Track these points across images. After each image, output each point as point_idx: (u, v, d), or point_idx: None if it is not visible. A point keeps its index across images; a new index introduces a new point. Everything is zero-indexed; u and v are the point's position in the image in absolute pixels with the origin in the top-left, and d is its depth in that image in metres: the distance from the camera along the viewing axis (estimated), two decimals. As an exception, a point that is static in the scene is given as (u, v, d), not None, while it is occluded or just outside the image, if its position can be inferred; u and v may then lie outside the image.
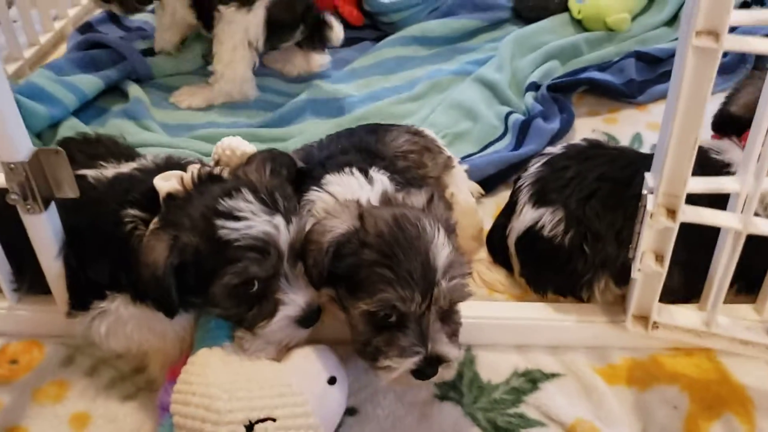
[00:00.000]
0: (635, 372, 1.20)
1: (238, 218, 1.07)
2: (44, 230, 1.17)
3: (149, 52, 2.05)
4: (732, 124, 1.29)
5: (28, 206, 1.14)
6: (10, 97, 1.06)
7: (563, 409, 1.15)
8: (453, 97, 1.83)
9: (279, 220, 1.09)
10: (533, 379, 1.20)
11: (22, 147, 1.09)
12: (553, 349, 1.25)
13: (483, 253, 1.40)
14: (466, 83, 1.88)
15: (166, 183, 1.17)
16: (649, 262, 1.09)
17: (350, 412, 1.16)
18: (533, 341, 1.25)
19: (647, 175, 1.08)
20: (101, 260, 1.17)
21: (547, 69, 1.87)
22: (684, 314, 1.16)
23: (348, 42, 2.09)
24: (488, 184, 1.56)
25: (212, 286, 1.07)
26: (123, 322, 1.16)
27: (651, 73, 1.88)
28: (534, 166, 1.33)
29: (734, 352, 1.15)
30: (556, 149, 1.35)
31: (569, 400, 1.17)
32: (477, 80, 1.87)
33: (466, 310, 1.24)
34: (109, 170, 1.29)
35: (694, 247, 1.11)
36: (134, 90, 1.87)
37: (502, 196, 1.56)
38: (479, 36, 2.13)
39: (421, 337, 1.01)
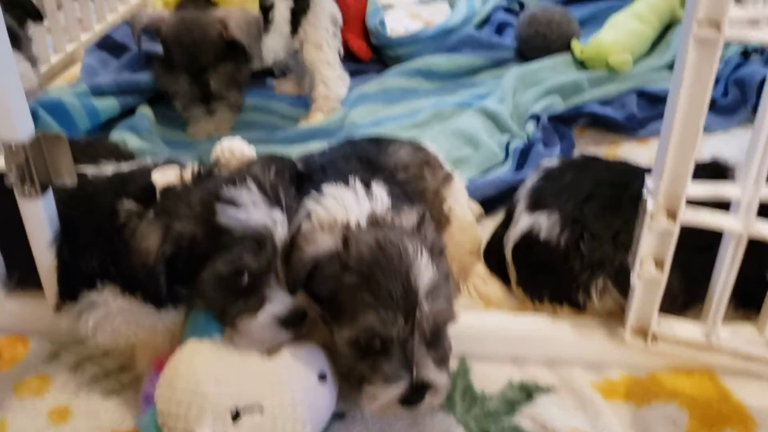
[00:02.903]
0: (633, 388, 1.17)
1: (238, 206, 1.07)
2: (39, 216, 1.16)
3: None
4: None
5: (26, 190, 1.13)
6: (15, 77, 1.07)
7: (559, 420, 1.11)
8: (455, 124, 1.84)
9: (278, 215, 1.08)
10: (528, 391, 1.17)
11: (24, 128, 1.09)
12: (549, 363, 1.21)
13: (480, 268, 1.38)
14: (468, 113, 1.89)
15: (163, 177, 1.17)
16: (649, 268, 1.07)
17: (338, 416, 1.12)
18: (529, 353, 1.22)
19: (647, 178, 1.08)
20: (92, 250, 1.15)
21: (549, 103, 1.89)
22: (684, 327, 1.14)
23: (354, 74, 2.13)
24: (488, 205, 1.55)
25: (202, 271, 1.06)
26: (111, 315, 1.14)
27: (652, 110, 1.90)
28: (531, 180, 1.34)
29: (736, 367, 1.12)
30: (552, 162, 1.37)
31: (565, 412, 1.13)
32: (479, 111, 1.89)
33: (460, 320, 1.22)
34: (109, 169, 1.30)
35: (694, 250, 1.09)
36: (142, 107, 1.89)
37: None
38: (483, 73, 2.15)
39: (406, 362, 0.98)
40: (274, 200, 1.10)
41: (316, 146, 1.81)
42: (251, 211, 1.07)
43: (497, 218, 1.54)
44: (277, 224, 1.08)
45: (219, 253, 1.05)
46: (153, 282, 1.06)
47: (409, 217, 1.11)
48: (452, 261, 1.36)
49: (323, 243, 1.05)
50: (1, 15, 1.01)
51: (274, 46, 1.88)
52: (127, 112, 1.90)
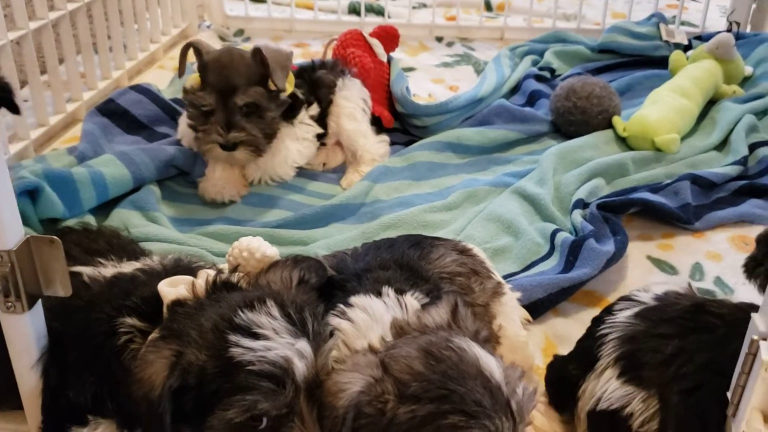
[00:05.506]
0: None
1: (256, 336, 0.89)
2: (24, 334, 0.99)
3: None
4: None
5: (9, 304, 0.96)
6: (6, 179, 0.90)
7: None
8: (491, 209, 1.67)
9: (304, 345, 0.91)
10: None
11: (12, 233, 0.92)
12: None
13: (533, 393, 1.19)
14: (504, 195, 1.73)
15: (172, 289, 1.00)
16: (758, 425, 0.89)
17: None
18: None
19: (755, 317, 0.90)
20: (86, 377, 0.98)
21: (593, 187, 1.73)
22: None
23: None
24: (535, 309, 1.37)
25: (211, 416, 0.88)
26: (104, 459, 0.96)
27: (705, 198, 1.74)
28: (622, 314, 1.12)
29: None
30: (646, 298, 1.14)
31: None
32: (516, 193, 1.72)
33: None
34: (108, 269, 1.12)
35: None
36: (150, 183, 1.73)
37: (551, 325, 1.39)
38: (516, 148, 2.00)
39: None
40: (299, 326, 0.93)
41: (337, 228, 1.67)
42: (271, 341, 0.89)
43: (546, 326, 1.39)
44: (303, 357, 0.90)
45: (231, 394, 0.87)
46: (156, 420, 0.88)
47: (439, 310, 0.95)
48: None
49: (355, 379, 0.86)
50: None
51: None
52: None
